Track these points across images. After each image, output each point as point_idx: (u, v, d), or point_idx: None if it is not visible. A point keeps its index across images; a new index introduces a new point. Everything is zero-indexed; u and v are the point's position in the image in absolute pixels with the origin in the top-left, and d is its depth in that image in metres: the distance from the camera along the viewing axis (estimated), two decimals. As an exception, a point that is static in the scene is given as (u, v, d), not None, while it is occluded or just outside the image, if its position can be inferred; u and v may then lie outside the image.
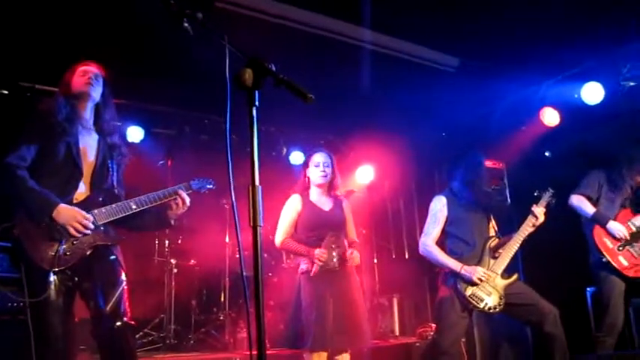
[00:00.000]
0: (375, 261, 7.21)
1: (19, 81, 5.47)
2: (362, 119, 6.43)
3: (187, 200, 3.10)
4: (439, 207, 4.16)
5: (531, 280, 4.87)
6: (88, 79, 3.05)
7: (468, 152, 4.37)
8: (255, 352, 1.76)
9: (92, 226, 2.81)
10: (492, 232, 4.22)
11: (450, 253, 4.05)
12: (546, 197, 4.16)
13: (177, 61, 4.91)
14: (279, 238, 3.97)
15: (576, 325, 4.68)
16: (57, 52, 4.62)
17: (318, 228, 3.95)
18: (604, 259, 4.41)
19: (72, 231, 2.75)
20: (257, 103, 1.80)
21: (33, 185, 2.76)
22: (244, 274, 1.95)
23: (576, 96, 5.56)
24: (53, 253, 2.72)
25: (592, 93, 5.45)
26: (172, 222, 3.15)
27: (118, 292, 2.85)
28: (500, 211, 4.29)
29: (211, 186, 3.32)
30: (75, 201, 2.88)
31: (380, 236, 7.56)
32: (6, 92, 5.50)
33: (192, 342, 5.43)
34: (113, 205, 2.93)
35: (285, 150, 6.88)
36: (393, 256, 7.66)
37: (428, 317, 6.64)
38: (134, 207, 2.96)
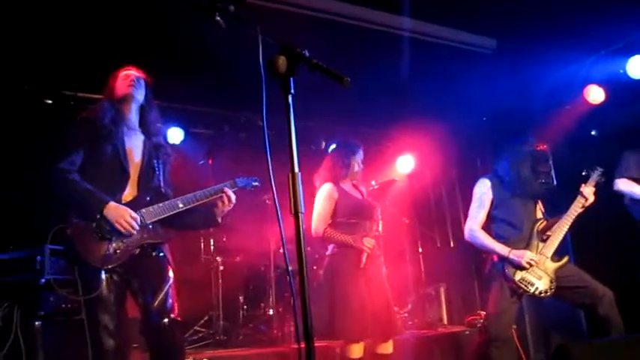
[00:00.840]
0: (420, 250, 7.15)
1: (62, 90, 5.62)
2: (400, 109, 6.36)
3: (233, 198, 3.14)
4: (484, 190, 4.08)
5: (582, 262, 4.73)
6: (131, 81, 3.12)
7: (516, 136, 4.26)
8: (303, 346, 1.74)
9: (138, 226, 2.87)
10: (540, 215, 4.12)
11: (497, 237, 3.97)
12: (595, 176, 4.04)
13: (212, 60, 4.97)
14: (320, 226, 3.95)
15: (632, 307, 4.53)
16: (97, 60, 4.73)
17: (356, 213, 3.99)
18: None
19: (120, 228, 2.81)
20: (292, 90, 1.79)
21: (85, 185, 2.84)
22: (289, 268, 1.97)
23: (621, 71, 5.39)
24: (103, 252, 2.79)
25: (638, 67, 5.26)
26: (219, 220, 3.18)
27: (166, 288, 2.91)
28: (547, 193, 4.17)
29: (257, 183, 3.37)
30: (123, 202, 2.94)
31: (424, 225, 7.48)
32: (50, 102, 5.64)
33: (240, 337, 5.48)
34: (160, 204, 2.99)
35: (324, 144, 6.88)
36: (438, 245, 7.58)
37: (476, 305, 6.53)
38: (181, 205, 3.01)
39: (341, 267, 3.86)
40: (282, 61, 1.79)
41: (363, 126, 7.09)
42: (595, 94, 5.69)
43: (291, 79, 1.81)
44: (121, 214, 2.82)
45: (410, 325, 6.08)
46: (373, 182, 6.23)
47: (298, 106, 1.91)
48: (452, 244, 7.50)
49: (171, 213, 3.00)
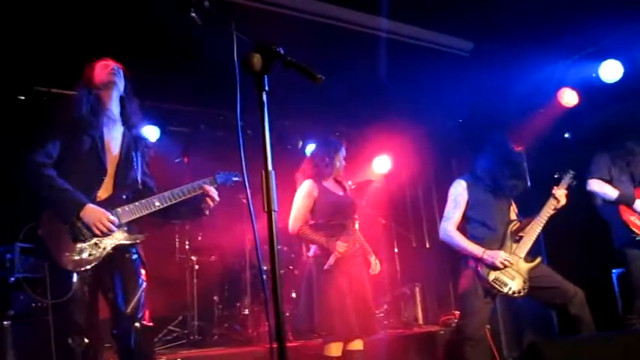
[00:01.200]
0: (396, 250, 7.18)
1: (35, 86, 5.52)
2: (377, 109, 6.39)
3: (216, 195, 3.10)
4: (460, 190, 4.11)
5: (555, 264, 4.80)
6: (111, 69, 3.06)
7: (494, 137, 4.30)
8: (275, 345, 1.73)
9: (115, 229, 2.83)
10: (513, 216, 4.17)
11: (472, 237, 4.01)
12: (567, 179, 4.11)
13: (189, 58, 4.93)
14: (295, 224, 3.94)
15: (602, 307, 4.60)
16: (71, 55, 4.66)
17: (336, 213, 3.97)
18: (637, 238, 4.32)
19: (96, 231, 2.77)
20: (266, 87, 1.79)
21: (62, 184, 2.77)
22: (263, 267, 1.96)
23: (594, 75, 5.48)
24: (76, 254, 2.74)
25: (610, 71, 5.38)
26: (207, 212, 3.14)
27: (139, 293, 2.87)
28: (521, 194, 4.22)
29: (237, 178, 3.31)
30: (98, 199, 2.89)
31: (400, 225, 7.51)
32: (23, 98, 5.54)
33: (215, 337, 5.45)
34: (137, 204, 2.94)
35: (301, 143, 6.87)
36: (414, 245, 7.62)
37: (451, 305, 6.60)
38: (157, 204, 2.97)
39: (323, 269, 3.85)
40: (256, 58, 1.78)
41: (340, 126, 7.11)
42: (569, 97, 5.79)
43: (266, 76, 1.80)
44: (98, 217, 2.77)
45: (385, 325, 6.11)
46: (350, 182, 6.23)
47: (275, 106, 1.91)
48: (427, 245, 7.55)
49: (148, 212, 2.95)
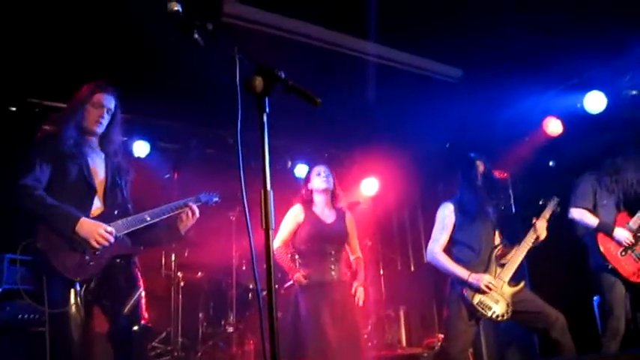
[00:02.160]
0: (382, 272, 7.21)
1: (27, 97, 5.54)
2: (366, 132, 6.47)
3: (197, 212, 3.21)
4: (447, 213, 4.18)
5: (538, 289, 4.87)
6: (99, 117, 3.11)
7: (462, 156, 4.42)
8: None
9: (113, 239, 2.88)
10: (498, 241, 4.25)
11: (457, 260, 4.07)
12: (551, 205, 4.20)
13: (183, 75, 4.97)
14: (275, 243, 4.02)
15: (584, 332, 4.67)
16: (64, 68, 4.71)
17: (319, 240, 4.02)
18: (610, 266, 4.42)
19: (94, 244, 2.81)
20: (267, 109, 1.84)
21: (52, 202, 2.82)
22: (252, 286, 1.98)
23: (579, 105, 5.60)
24: (77, 263, 2.78)
25: (594, 102, 5.50)
26: (182, 233, 3.23)
27: (136, 295, 2.93)
28: (506, 220, 4.32)
29: (217, 199, 3.47)
30: (91, 216, 2.94)
31: (385, 247, 7.56)
32: (14, 109, 5.55)
33: (199, 354, 5.43)
34: (129, 218, 3.02)
35: (290, 163, 6.93)
36: (399, 268, 7.67)
37: (435, 328, 6.63)
38: (148, 219, 3.05)
39: (308, 295, 3.90)
40: (258, 81, 1.84)
41: (328, 147, 7.18)
42: (553, 127, 5.90)
43: (266, 98, 1.86)
44: (95, 229, 2.83)
45: (369, 346, 6.11)
46: (348, 212, 6.28)
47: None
48: (412, 268, 7.60)
49: (140, 226, 3.03)
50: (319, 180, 4.19)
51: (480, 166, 4.24)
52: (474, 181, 4.17)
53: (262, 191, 1.80)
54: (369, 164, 7.31)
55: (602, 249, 4.47)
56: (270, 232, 1.76)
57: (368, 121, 6.19)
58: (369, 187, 7.49)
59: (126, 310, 2.86)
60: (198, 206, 3.25)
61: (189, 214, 3.18)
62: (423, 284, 7.02)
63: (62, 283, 2.76)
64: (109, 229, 2.87)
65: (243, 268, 5.92)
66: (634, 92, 5.41)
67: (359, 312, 4.06)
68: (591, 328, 5.06)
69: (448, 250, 4.15)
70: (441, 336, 5.70)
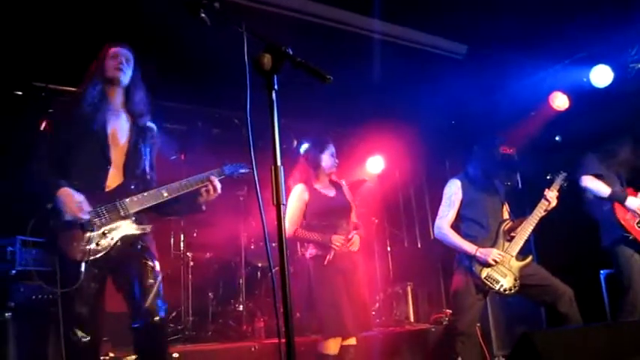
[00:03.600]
0: (389, 249, 7.26)
1: (33, 81, 5.55)
2: (371, 110, 6.46)
3: (219, 187, 3.06)
4: (454, 190, 4.20)
5: (544, 264, 4.90)
6: (119, 63, 3.02)
7: (485, 137, 4.39)
8: (283, 341, 1.80)
9: (87, 208, 2.77)
10: (506, 215, 4.27)
11: (465, 236, 4.10)
12: (559, 180, 4.20)
13: (187, 56, 4.96)
14: (290, 227, 4.01)
15: (591, 307, 4.71)
16: (69, 51, 4.70)
17: (328, 214, 4.05)
18: (630, 237, 4.37)
19: (67, 217, 2.72)
20: (276, 86, 1.85)
21: (52, 179, 2.76)
22: (261, 264, 2.01)
23: (585, 80, 5.58)
24: (85, 244, 2.74)
25: (601, 76, 5.49)
26: (204, 208, 3.12)
27: (157, 286, 2.89)
28: (513, 194, 4.32)
29: (245, 170, 3.26)
30: (107, 189, 2.88)
31: (392, 225, 7.61)
32: (20, 93, 5.56)
33: (210, 333, 5.50)
34: (145, 194, 2.92)
35: (295, 142, 6.93)
36: (406, 245, 7.71)
37: (442, 304, 6.69)
38: (166, 194, 2.94)
39: (320, 267, 3.94)
40: (267, 59, 1.85)
41: (334, 125, 7.17)
42: (560, 101, 5.89)
43: (275, 76, 1.87)
44: (65, 201, 2.73)
45: (378, 323, 6.18)
46: (343, 182, 6.31)
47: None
48: (419, 244, 7.64)
49: (156, 202, 2.93)
50: (332, 160, 4.22)
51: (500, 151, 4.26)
52: (491, 160, 4.17)
53: (273, 167, 1.82)
54: (374, 142, 7.31)
55: (621, 220, 4.41)
56: (282, 208, 1.78)
57: (373, 98, 6.17)
58: (375, 164, 7.50)
59: (147, 303, 2.81)
60: (222, 179, 3.09)
61: (211, 189, 3.03)
62: (429, 260, 7.06)
63: (73, 262, 2.73)
64: (77, 198, 2.74)
65: (252, 247, 5.96)
66: (640, 65, 5.39)
67: (366, 283, 4.11)
68: (598, 302, 5.10)
69: (456, 226, 4.18)
70: (449, 311, 5.77)
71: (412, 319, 6.58)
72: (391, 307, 6.70)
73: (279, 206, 1.78)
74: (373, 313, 6.24)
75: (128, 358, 4.23)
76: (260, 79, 1.92)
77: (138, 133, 3.08)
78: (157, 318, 2.81)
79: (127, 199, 2.88)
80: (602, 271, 5.20)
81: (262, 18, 4.55)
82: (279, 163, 1.83)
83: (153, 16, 4.34)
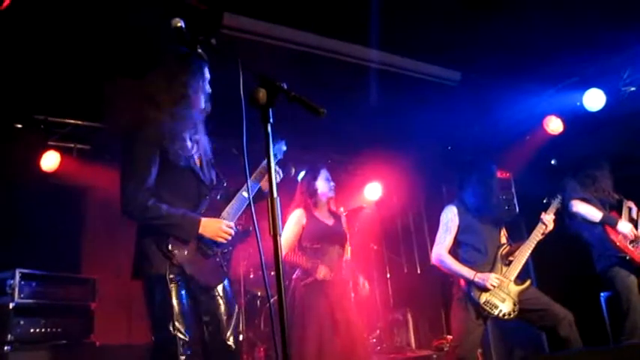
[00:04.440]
0: (388, 275, 7.25)
1: (33, 114, 5.59)
2: (368, 137, 6.51)
3: (280, 171, 3.15)
4: (450, 216, 4.23)
5: (544, 288, 4.90)
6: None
7: (479, 162, 4.44)
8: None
9: (234, 232, 2.77)
10: (504, 240, 4.29)
11: (463, 261, 4.11)
12: (555, 203, 4.25)
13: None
14: (283, 251, 4.04)
15: (592, 330, 4.70)
16: (68, 83, 4.76)
17: (322, 239, 4.10)
18: (627, 257, 4.39)
19: (221, 240, 2.71)
20: (271, 119, 1.89)
21: (168, 209, 2.63)
22: (260, 293, 2.02)
23: (578, 104, 5.64)
24: (215, 269, 2.73)
25: (594, 99, 5.54)
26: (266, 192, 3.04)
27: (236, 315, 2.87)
28: (510, 219, 4.35)
29: (284, 147, 3.37)
30: (202, 211, 2.80)
31: (391, 251, 7.60)
32: (20, 126, 5.60)
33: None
34: (232, 203, 2.87)
35: (293, 170, 6.96)
36: (405, 271, 7.70)
37: (443, 330, 6.65)
38: (246, 195, 2.87)
39: (305, 290, 3.97)
40: (262, 93, 1.89)
41: (332, 153, 7.21)
42: (554, 125, 5.95)
43: (270, 109, 1.91)
44: (218, 227, 2.71)
45: (378, 350, 6.14)
46: (342, 209, 6.33)
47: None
48: (419, 270, 7.62)
49: (244, 207, 2.89)
50: (328, 186, 4.28)
51: (495, 176, 4.31)
52: (488, 188, 4.21)
53: (269, 199, 1.85)
54: (372, 169, 7.35)
55: (615, 241, 4.43)
56: (278, 239, 1.81)
57: (370, 126, 6.23)
58: (373, 191, 7.52)
59: (234, 320, 2.82)
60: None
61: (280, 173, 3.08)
62: (429, 286, 7.04)
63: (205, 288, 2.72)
64: (230, 223, 2.76)
65: (251, 276, 5.95)
66: (632, 88, 5.45)
67: (355, 311, 4.11)
68: (600, 326, 5.09)
69: (454, 251, 4.20)
70: (450, 337, 5.73)
71: (413, 345, 6.54)
72: (392, 334, 6.67)
73: (275, 237, 1.80)
74: (374, 340, 6.21)
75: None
76: (258, 112, 1.96)
77: (202, 143, 3.02)
78: (241, 337, 2.94)
79: (224, 213, 2.85)
80: (602, 294, 5.20)
81: (258, 50, 4.61)
82: (275, 194, 1.86)
83: (150, 50, 4.40)
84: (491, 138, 6.58)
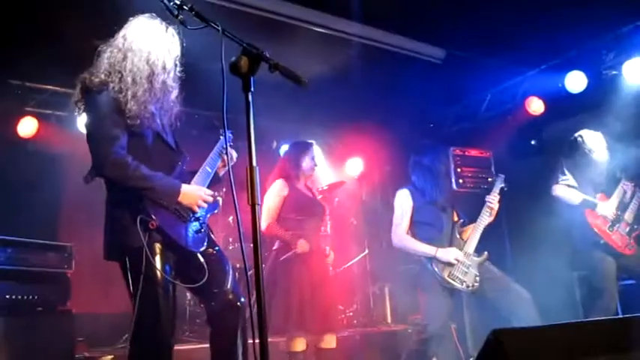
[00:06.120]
0: (367, 251, 7.30)
1: (9, 79, 5.49)
2: (351, 112, 6.50)
3: (235, 155, 3.04)
4: (404, 198, 4.29)
5: (519, 266, 4.99)
6: None
7: (432, 147, 4.48)
8: (257, 341, 1.83)
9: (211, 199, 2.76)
10: (456, 218, 4.35)
11: (422, 239, 4.16)
12: (499, 182, 4.31)
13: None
14: (264, 222, 4.08)
15: (565, 310, 4.80)
16: (45, 50, 4.65)
17: (304, 210, 4.16)
18: (602, 241, 4.44)
19: (197, 210, 2.69)
20: (252, 88, 1.88)
21: (148, 171, 2.55)
22: (239, 265, 2.03)
23: (560, 85, 5.68)
24: (192, 235, 2.68)
25: (575, 82, 5.58)
26: (221, 177, 3.06)
27: (230, 265, 2.87)
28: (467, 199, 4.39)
29: (229, 134, 3.16)
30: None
31: (370, 226, 7.65)
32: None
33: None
34: (198, 174, 2.85)
35: (275, 143, 6.96)
36: (384, 246, 7.75)
37: (419, 305, 6.73)
38: (210, 170, 2.90)
39: (284, 263, 4.00)
40: (244, 61, 1.87)
41: (314, 127, 7.20)
42: (536, 106, 5.99)
43: (252, 78, 1.89)
44: (198, 195, 2.68)
45: (355, 324, 6.22)
46: (323, 183, 6.35)
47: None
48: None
49: (209, 179, 2.88)
50: (312, 163, 4.32)
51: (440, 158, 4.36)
52: (435, 174, 4.26)
53: (248, 167, 1.84)
54: (353, 144, 7.36)
55: (592, 225, 4.49)
56: (257, 208, 1.81)
57: (353, 100, 6.22)
58: (354, 166, 7.55)
59: (228, 285, 2.76)
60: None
61: (233, 156, 3.00)
62: (407, 262, 7.11)
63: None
64: (209, 191, 2.75)
65: (230, 247, 5.96)
66: (614, 72, 5.49)
67: (332, 281, 4.20)
68: (572, 303, 5.19)
69: (412, 232, 4.25)
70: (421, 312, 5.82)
71: (389, 319, 6.63)
72: (369, 308, 6.75)
73: (253, 206, 1.80)
74: (350, 314, 6.28)
75: (103, 358, 4.23)
76: (240, 81, 1.93)
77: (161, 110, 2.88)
78: (243, 299, 2.87)
79: (193, 182, 2.83)
80: (575, 274, 5.30)
81: (238, 20, 4.55)
82: (254, 163, 1.85)
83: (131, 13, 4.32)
84: (474, 116, 6.62)
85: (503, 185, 4.32)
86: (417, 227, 4.25)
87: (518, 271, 4.28)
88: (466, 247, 4.10)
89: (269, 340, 1.84)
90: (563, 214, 4.70)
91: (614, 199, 4.57)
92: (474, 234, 4.14)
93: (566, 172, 4.66)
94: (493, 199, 4.23)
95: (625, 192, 4.62)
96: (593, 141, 4.68)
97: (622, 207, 4.57)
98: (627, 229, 4.51)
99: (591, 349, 1.68)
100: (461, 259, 4.00)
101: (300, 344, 3.92)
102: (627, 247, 4.45)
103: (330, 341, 4.05)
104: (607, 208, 4.52)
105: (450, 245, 4.10)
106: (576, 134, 4.76)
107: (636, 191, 4.63)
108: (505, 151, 6.08)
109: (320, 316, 3.90)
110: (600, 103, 5.46)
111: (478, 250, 4.11)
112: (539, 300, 3.97)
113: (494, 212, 4.23)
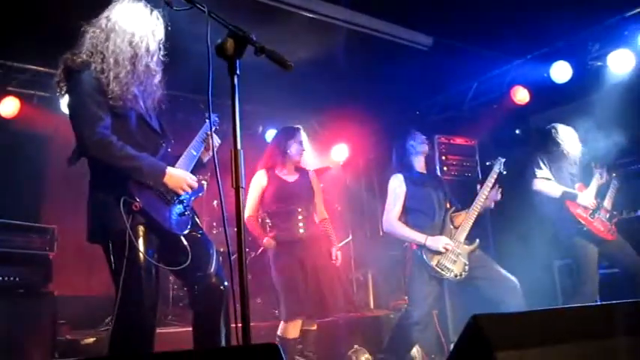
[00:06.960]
0: (350, 237, 7.33)
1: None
2: (336, 98, 6.48)
3: (218, 139, 2.99)
4: (397, 183, 4.30)
5: (501, 253, 5.03)
6: None
7: (402, 135, 4.51)
8: (240, 325, 1.83)
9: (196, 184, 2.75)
10: (449, 205, 4.37)
11: (414, 226, 4.18)
12: (497, 166, 4.32)
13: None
14: (246, 213, 4.11)
15: (545, 299, 4.86)
16: (28, 29, 4.59)
17: (284, 200, 4.15)
18: (585, 228, 4.50)
19: (181, 193, 2.68)
20: (238, 71, 1.87)
21: (133, 152, 2.54)
22: (223, 249, 2.03)
23: (545, 75, 5.71)
24: (175, 217, 2.66)
25: (560, 72, 5.60)
26: (205, 162, 3.06)
27: (214, 249, 2.85)
28: (472, 187, 4.42)
29: (215, 118, 3.18)
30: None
31: (354, 212, 7.67)
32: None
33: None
34: (182, 158, 2.84)
35: (261, 128, 6.94)
36: (367, 232, 7.80)
37: (402, 291, 6.78)
38: (195, 153, 2.89)
39: (277, 251, 4.05)
40: (230, 44, 1.86)
41: (299, 113, 7.18)
42: (521, 95, 6.01)
43: (237, 61, 1.88)
44: (183, 179, 2.68)
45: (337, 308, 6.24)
46: (311, 170, 6.33)
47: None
48: (381, 232, 7.71)
49: (194, 163, 2.88)
50: (299, 149, 4.31)
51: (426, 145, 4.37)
52: (408, 158, 4.29)
53: (232, 150, 1.83)
54: (339, 130, 7.35)
55: (573, 213, 4.54)
56: (241, 191, 1.80)
57: (339, 87, 6.20)
58: (339, 152, 7.55)
59: (212, 268, 2.74)
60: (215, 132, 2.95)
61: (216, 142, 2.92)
62: (390, 248, 7.15)
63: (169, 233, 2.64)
64: (194, 177, 2.75)
65: (214, 231, 5.96)
66: (599, 63, 5.52)
67: (333, 267, 4.20)
68: (552, 292, 5.26)
69: (403, 218, 4.28)
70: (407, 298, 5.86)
71: (372, 305, 6.68)
72: (351, 294, 6.78)
73: (237, 189, 1.80)
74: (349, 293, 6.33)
75: (85, 340, 4.22)
76: (226, 64, 1.92)
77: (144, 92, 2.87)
78: (226, 283, 2.84)
79: (177, 165, 2.82)
80: (556, 262, 5.36)
81: (226, 2, 4.49)
82: (239, 146, 1.85)
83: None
84: (460, 104, 6.64)
85: (501, 169, 4.31)
86: (409, 213, 4.27)
87: (501, 260, 4.31)
88: (457, 235, 4.11)
89: (251, 324, 1.84)
90: (545, 205, 4.75)
91: (593, 188, 4.65)
92: (466, 221, 4.16)
93: (541, 164, 4.70)
94: (487, 186, 4.24)
95: (601, 179, 4.70)
96: (565, 133, 4.73)
97: (600, 195, 4.66)
98: (607, 215, 4.61)
99: (571, 335, 1.69)
100: (450, 247, 4.02)
101: (294, 330, 3.93)
102: (609, 233, 4.53)
103: (311, 322, 4.09)
104: (587, 197, 4.59)
105: (441, 233, 4.12)
106: (549, 126, 4.82)
107: (612, 178, 4.73)
108: (490, 139, 6.11)
109: (314, 302, 3.93)
110: (585, 94, 5.51)
111: (469, 239, 4.14)
112: (521, 289, 4.03)
113: (489, 197, 4.23)
